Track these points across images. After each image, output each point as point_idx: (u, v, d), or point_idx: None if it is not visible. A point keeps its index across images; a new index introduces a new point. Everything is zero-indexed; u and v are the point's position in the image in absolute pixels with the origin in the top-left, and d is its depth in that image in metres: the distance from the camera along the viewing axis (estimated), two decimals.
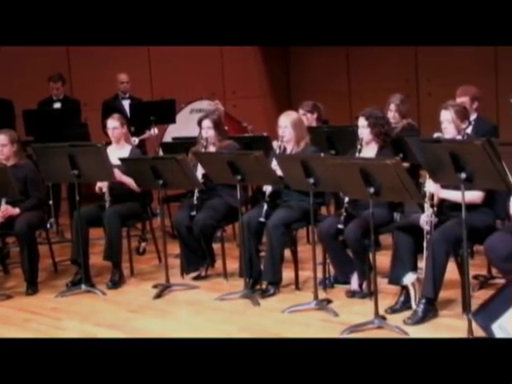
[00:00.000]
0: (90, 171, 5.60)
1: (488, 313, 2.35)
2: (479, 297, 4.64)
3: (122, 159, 5.76)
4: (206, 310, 5.21)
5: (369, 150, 5.28)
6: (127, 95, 8.43)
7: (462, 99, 5.88)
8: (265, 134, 7.07)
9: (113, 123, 6.15)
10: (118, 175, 5.78)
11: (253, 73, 10.72)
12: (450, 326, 4.45)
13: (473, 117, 5.97)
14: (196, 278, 5.91)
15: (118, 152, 6.00)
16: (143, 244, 6.90)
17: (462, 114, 4.73)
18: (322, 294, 5.16)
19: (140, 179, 5.72)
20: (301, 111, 6.89)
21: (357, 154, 5.25)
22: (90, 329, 4.92)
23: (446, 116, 4.71)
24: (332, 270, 5.43)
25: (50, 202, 7.07)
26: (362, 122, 5.24)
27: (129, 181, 5.84)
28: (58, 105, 8.16)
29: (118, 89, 8.40)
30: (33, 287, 5.81)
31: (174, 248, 6.29)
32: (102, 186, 5.90)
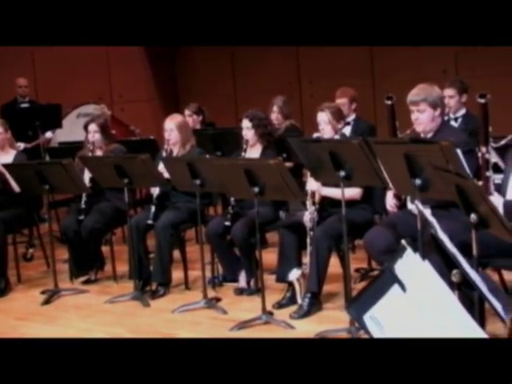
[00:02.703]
0: None
1: (360, 304, 2.47)
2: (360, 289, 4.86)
3: (5, 165, 5.68)
4: (96, 313, 5.21)
5: (253, 151, 5.42)
6: (27, 99, 8.31)
7: (342, 100, 6.13)
8: (151, 137, 7.12)
9: None
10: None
11: (140, 76, 10.69)
12: (333, 318, 4.63)
13: (352, 117, 6.24)
14: (85, 282, 5.89)
15: (1, 158, 5.90)
16: (31, 250, 6.80)
17: (338, 114, 4.93)
18: (211, 293, 5.26)
19: (25, 185, 5.64)
20: (187, 112, 7.00)
21: (242, 155, 5.38)
22: None
23: (323, 117, 4.90)
24: (220, 269, 5.55)
25: None
26: (246, 123, 5.37)
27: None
28: None
29: (16, 93, 8.30)
30: None
31: (63, 253, 6.24)
32: None
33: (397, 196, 4.45)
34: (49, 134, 7.91)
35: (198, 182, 4.94)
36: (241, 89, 10.47)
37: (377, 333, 2.41)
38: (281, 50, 9.23)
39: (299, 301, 4.86)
